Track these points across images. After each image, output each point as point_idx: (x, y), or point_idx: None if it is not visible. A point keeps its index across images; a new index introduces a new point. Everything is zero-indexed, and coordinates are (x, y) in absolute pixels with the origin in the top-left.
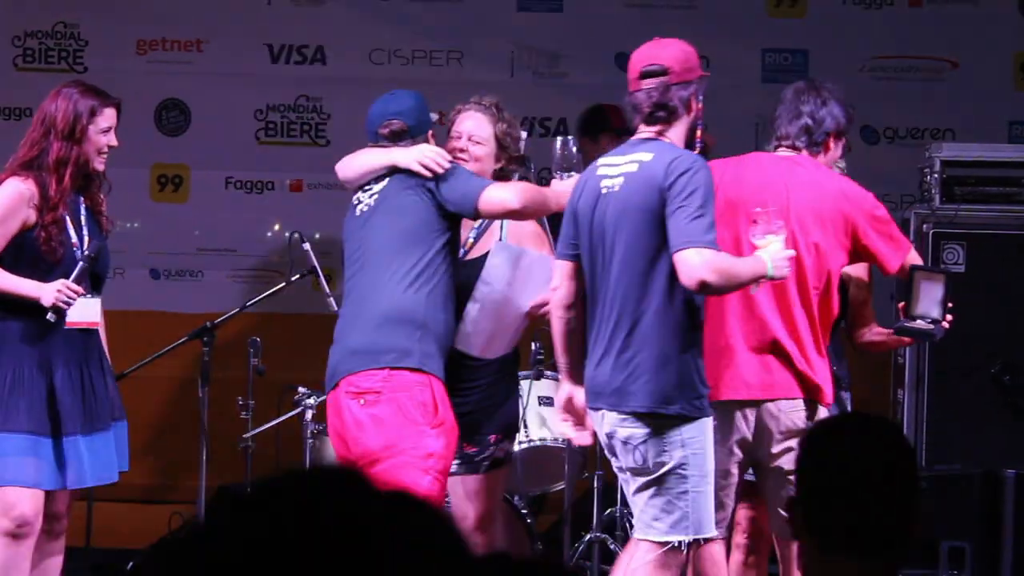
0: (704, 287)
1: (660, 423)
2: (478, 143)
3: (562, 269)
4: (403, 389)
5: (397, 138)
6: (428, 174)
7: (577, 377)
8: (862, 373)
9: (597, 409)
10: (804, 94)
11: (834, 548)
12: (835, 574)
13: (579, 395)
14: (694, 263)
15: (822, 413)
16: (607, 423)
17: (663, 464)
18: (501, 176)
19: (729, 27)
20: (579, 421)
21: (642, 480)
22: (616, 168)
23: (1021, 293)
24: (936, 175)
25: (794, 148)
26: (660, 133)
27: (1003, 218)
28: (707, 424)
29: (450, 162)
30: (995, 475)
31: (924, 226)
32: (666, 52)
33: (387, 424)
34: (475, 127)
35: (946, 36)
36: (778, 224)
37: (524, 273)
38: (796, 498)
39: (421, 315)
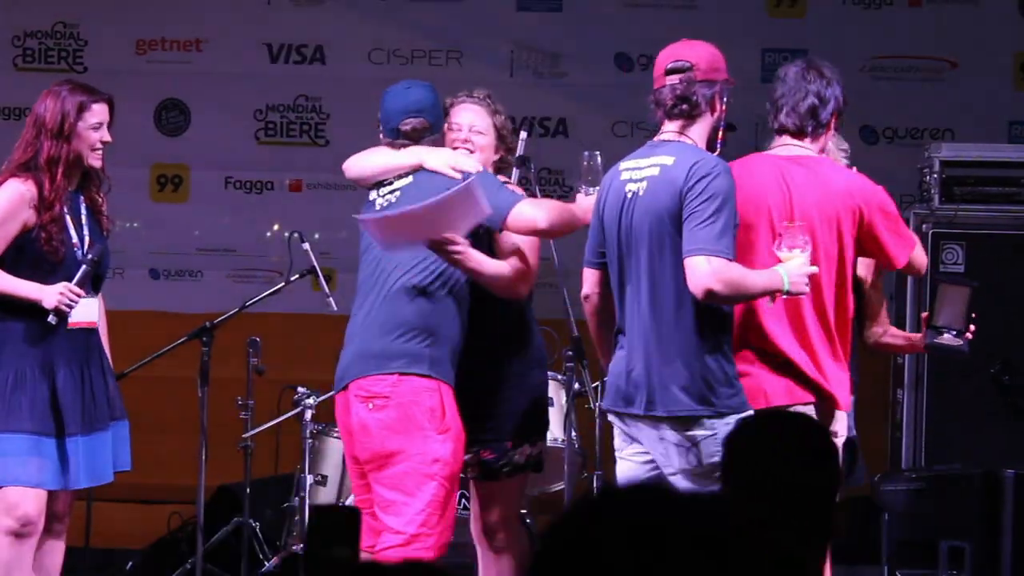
0: (710, 296)
1: (714, 421)
2: (480, 133)
3: (591, 277)
4: (411, 395)
5: (419, 136)
6: (458, 176)
7: None
8: (861, 373)
9: (629, 414)
10: (808, 73)
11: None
12: None
13: None
14: (702, 271)
15: (840, 417)
16: (656, 427)
17: (717, 464)
18: (500, 169)
19: (729, 27)
20: None
21: (692, 485)
22: (639, 172)
23: (1020, 293)
24: (935, 175)
25: (799, 134)
26: (682, 131)
27: (1002, 218)
28: None
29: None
30: (995, 475)
31: (923, 226)
32: (693, 51)
33: (394, 429)
34: (475, 119)
35: (946, 36)
36: (803, 239)
37: (453, 202)
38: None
39: (434, 321)
